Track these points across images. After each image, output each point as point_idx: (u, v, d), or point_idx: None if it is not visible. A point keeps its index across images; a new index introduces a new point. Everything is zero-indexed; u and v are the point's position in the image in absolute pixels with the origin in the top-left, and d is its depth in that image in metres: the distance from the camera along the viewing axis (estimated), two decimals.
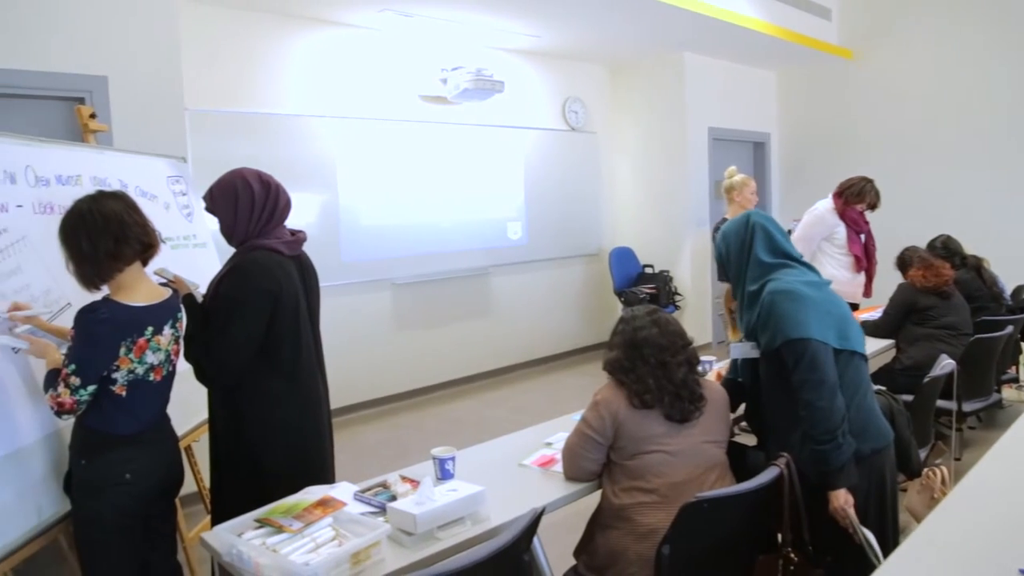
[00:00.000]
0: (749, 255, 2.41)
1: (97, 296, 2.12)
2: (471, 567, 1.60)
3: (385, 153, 5.94)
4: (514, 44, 6.69)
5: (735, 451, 2.42)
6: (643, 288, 7.30)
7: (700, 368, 2.35)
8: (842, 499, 2.14)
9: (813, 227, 4.73)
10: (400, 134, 6.04)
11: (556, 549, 2.34)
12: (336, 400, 2.70)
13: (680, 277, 7.53)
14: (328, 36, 5.64)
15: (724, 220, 4.94)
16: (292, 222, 2.52)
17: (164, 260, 2.42)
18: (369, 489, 2.15)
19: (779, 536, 2.17)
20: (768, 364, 2.34)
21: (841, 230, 4.67)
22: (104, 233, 2.06)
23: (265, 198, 2.38)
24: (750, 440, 2.72)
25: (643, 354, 2.24)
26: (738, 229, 2.47)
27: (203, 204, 2.46)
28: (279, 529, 1.82)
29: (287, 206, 2.46)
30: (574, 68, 7.53)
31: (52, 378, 2.05)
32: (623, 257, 7.64)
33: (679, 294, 7.47)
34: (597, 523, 2.25)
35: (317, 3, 5.21)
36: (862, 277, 4.75)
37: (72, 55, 3.73)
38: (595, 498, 2.31)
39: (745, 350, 2.40)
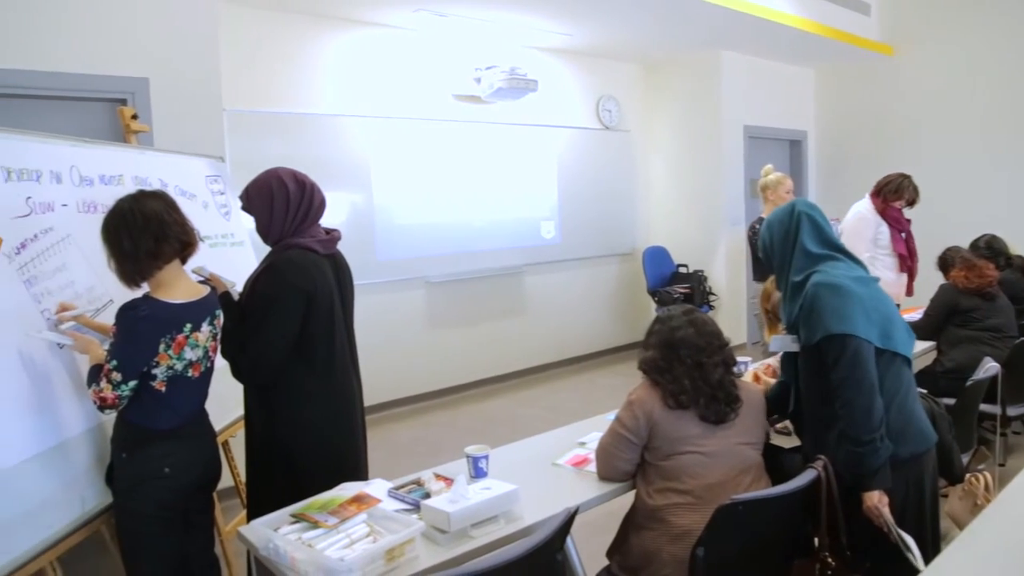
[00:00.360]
0: (794, 245, 2.33)
1: (138, 293, 2.17)
2: (504, 566, 1.60)
3: (419, 152, 5.97)
4: (548, 43, 6.68)
5: (770, 453, 2.39)
6: (677, 288, 7.24)
7: (736, 369, 2.32)
8: (876, 499, 2.09)
9: (861, 229, 4.65)
10: (434, 133, 6.07)
11: (589, 549, 2.33)
12: (369, 398, 2.71)
13: (714, 277, 7.46)
14: (363, 36, 5.68)
15: (760, 219, 4.89)
16: (327, 221, 2.53)
17: (202, 258, 2.45)
18: (403, 486, 2.16)
19: (816, 540, 2.14)
20: (807, 359, 2.29)
21: (885, 230, 4.62)
22: (145, 232, 2.10)
23: (300, 197, 2.40)
24: (785, 442, 2.68)
25: (679, 355, 2.21)
26: (782, 218, 2.39)
27: (239, 203, 2.49)
28: (315, 524, 1.84)
29: (322, 205, 2.48)
30: (608, 66, 7.50)
31: (95, 374, 2.09)
32: (657, 256, 7.59)
33: (713, 294, 7.41)
34: (631, 523, 2.24)
35: (352, 4, 5.26)
36: (905, 277, 4.68)
37: (115, 58, 3.80)
38: (628, 498, 2.29)
39: (785, 343, 2.35)
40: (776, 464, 2.37)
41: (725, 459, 2.16)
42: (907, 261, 4.63)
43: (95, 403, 2.08)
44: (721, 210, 7.43)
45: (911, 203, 4.61)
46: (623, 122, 7.66)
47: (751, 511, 1.95)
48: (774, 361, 3.20)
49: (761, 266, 4.89)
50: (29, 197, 2.33)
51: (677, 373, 2.20)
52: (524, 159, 6.73)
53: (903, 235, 4.68)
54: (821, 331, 2.16)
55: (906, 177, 4.58)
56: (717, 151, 7.40)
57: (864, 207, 4.68)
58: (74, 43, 3.68)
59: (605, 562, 2.30)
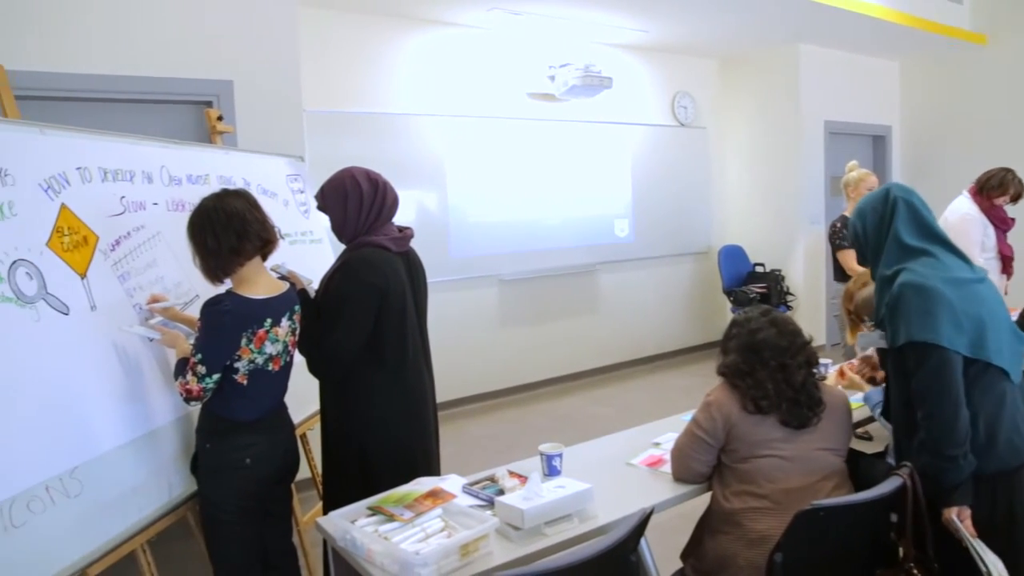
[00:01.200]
0: (887, 234, 2.14)
1: (220, 289, 2.24)
2: (578, 564, 1.59)
3: (493, 150, 6.00)
4: (622, 39, 6.62)
5: (851, 458, 2.30)
6: (753, 287, 7.08)
7: (817, 371, 2.25)
8: (953, 512, 1.98)
9: (969, 230, 4.35)
10: (508, 132, 6.09)
11: (661, 550, 2.30)
12: (441, 394, 2.74)
13: (792, 276, 7.27)
14: (438, 36, 5.74)
15: (842, 218, 4.74)
16: (403, 219, 2.57)
17: (282, 256, 2.52)
18: (477, 482, 2.18)
19: (901, 550, 2.05)
20: (892, 360, 2.15)
21: (991, 231, 4.38)
22: (227, 229, 2.16)
23: (373, 196, 2.44)
24: (866, 447, 2.58)
25: (762, 357, 2.14)
26: (875, 204, 2.20)
27: (316, 203, 2.54)
28: (391, 518, 1.87)
29: (394, 203, 2.51)
30: (683, 62, 7.39)
31: (181, 366, 2.17)
32: (733, 255, 7.44)
33: (791, 294, 7.22)
34: (706, 526, 2.20)
35: (427, 4, 5.31)
36: (1005, 279, 4.45)
37: (201, 62, 3.94)
38: (703, 500, 2.25)
39: (873, 339, 2.22)
40: (858, 470, 2.28)
41: (805, 464, 2.09)
42: (1012, 262, 4.38)
43: (181, 395, 2.15)
44: (800, 208, 7.23)
45: (1016, 198, 4.35)
46: (699, 119, 7.53)
47: (832, 518, 1.89)
48: (866, 354, 3.07)
49: (841, 266, 4.73)
50: (123, 196, 2.44)
51: (760, 377, 2.13)
52: (598, 157, 6.69)
53: (1005, 235, 4.44)
54: (903, 335, 2.02)
55: (1009, 171, 4.34)
56: (796, 147, 7.21)
57: (968, 206, 4.42)
58: (163, 49, 3.83)
59: (679, 564, 2.27)
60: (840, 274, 4.74)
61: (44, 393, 1.93)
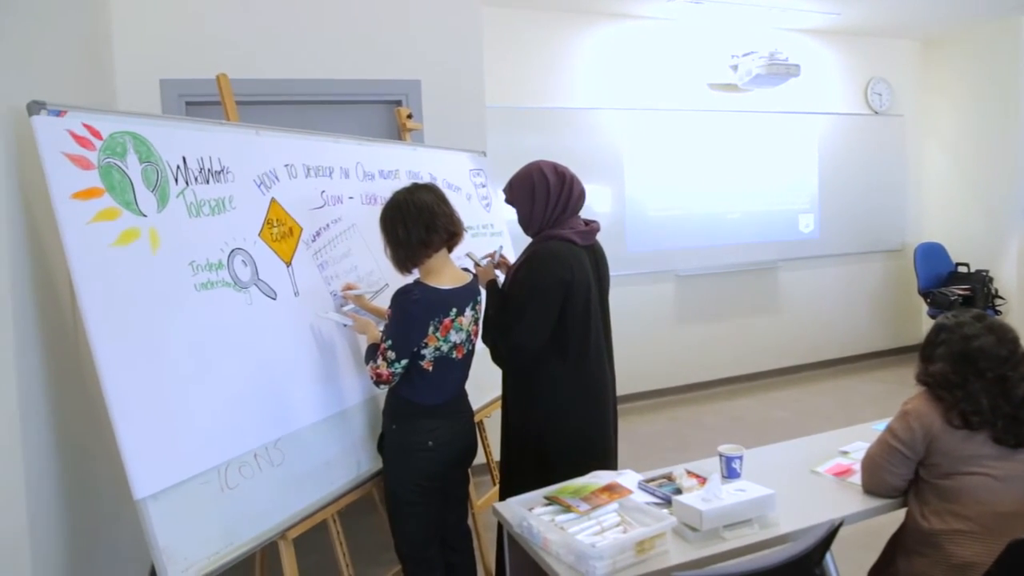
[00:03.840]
0: None
1: (409, 279, 2.35)
2: (758, 572, 1.54)
3: (672, 143, 5.90)
4: (810, 24, 6.27)
5: None
6: (955, 289, 6.47)
7: None
8: None
9: None
10: (687, 124, 5.96)
11: (847, 567, 2.17)
12: (617, 388, 2.72)
13: (1003, 278, 6.57)
14: (618, 29, 5.71)
15: None
16: (586, 212, 2.57)
17: (469, 247, 2.60)
18: (654, 480, 2.15)
19: None
20: None
21: None
22: (417, 222, 2.26)
23: (560, 189, 2.45)
24: None
25: (978, 368, 1.95)
26: None
27: (502, 196, 2.59)
28: (567, 509, 1.88)
29: (581, 196, 2.51)
30: (879, 45, 6.88)
31: (372, 352, 2.29)
32: (931, 254, 6.84)
33: (1000, 297, 6.53)
34: (900, 545, 2.05)
35: None
36: None
37: (391, 63, 4.16)
38: (896, 517, 2.10)
39: None
40: None
41: (1021, 487, 1.89)
42: None
43: (372, 378, 2.28)
44: (1015, 202, 6.50)
45: None
46: (895, 106, 6.99)
47: None
48: None
49: None
50: (323, 191, 2.63)
51: (972, 389, 1.94)
52: (782, 148, 6.40)
53: None
54: None
55: None
56: (1012, 134, 6.48)
57: None
58: (358, 53, 4.08)
59: None
60: None
61: (254, 370, 2.13)
